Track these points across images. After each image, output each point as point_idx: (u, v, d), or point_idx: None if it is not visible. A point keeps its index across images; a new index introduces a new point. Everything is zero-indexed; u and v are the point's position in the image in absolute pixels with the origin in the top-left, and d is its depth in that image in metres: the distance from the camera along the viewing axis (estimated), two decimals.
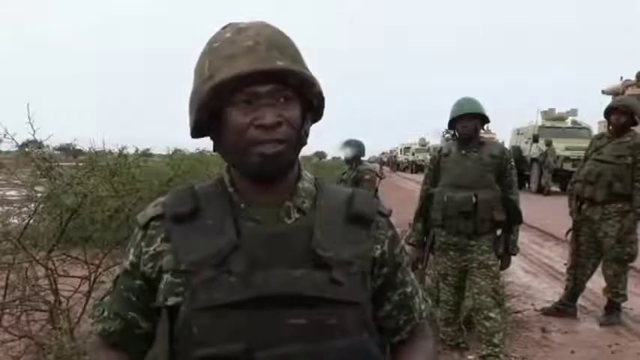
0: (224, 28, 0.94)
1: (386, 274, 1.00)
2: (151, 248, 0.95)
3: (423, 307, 1.07)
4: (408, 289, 1.04)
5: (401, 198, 11.64)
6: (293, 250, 0.91)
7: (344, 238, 0.94)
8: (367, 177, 5.25)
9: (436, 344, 0.97)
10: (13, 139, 3.76)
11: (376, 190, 5.47)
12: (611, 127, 4.63)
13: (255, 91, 0.88)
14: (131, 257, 0.98)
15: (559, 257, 7.00)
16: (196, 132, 0.96)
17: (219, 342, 0.86)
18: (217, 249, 0.89)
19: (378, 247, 0.98)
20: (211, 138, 0.97)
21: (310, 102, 0.95)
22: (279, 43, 0.90)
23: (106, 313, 1.01)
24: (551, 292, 5.51)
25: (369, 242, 0.97)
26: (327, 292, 0.89)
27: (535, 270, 6.74)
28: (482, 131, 3.57)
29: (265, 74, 0.87)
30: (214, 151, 0.98)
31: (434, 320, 3.84)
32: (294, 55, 0.92)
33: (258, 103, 0.89)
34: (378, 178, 5.68)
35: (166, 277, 0.92)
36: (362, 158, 5.65)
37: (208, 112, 0.92)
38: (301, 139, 0.95)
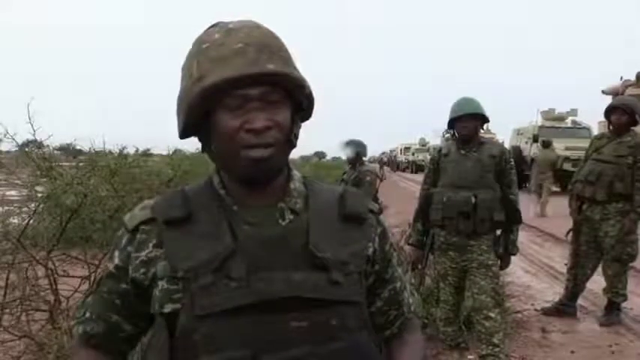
0: (212, 27, 0.93)
1: (377, 271, 1.01)
2: (142, 254, 0.93)
3: (411, 300, 1.08)
4: (398, 284, 1.05)
5: (401, 198, 11.64)
6: (290, 252, 0.90)
7: (339, 238, 0.93)
8: (367, 178, 5.25)
9: (425, 339, 0.99)
10: (13, 139, 3.76)
11: (376, 192, 5.47)
12: (611, 127, 4.62)
13: (245, 95, 0.87)
14: (117, 261, 0.95)
15: (559, 257, 7.00)
16: (185, 133, 0.95)
17: (223, 349, 0.84)
18: (215, 254, 0.88)
19: (370, 244, 0.98)
20: (200, 139, 0.96)
21: (300, 103, 0.94)
22: (269, 45, 0.89)
23: (87, 315, 0.98)
24: (551, 292, 5.51)
25: (363, 241, 0.97)
26: (327, 293, 0.88)
27: (535, 270, 6.74)
28: (482, 131, 3.57)
29: (255, 77, 0.86)
30: (202, 152, 0.97)
31: (434, 320, 3.84)
32: (285, 56, 0.90)
33: (249, 106, 0.88)
34: (378, 180, 5.67)
35: (161, 283, 0.90)
36: (363, 158, 5.64)
37: (197, 114, 0.90)
38: (291, 142, 0.94)
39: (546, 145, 13.16)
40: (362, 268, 0.95)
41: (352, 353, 0.89)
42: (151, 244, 0.92)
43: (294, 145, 0.95)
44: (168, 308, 0.89)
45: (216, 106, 0.89)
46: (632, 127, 4.58)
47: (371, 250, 0.98)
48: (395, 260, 1.05)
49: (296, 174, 1.00)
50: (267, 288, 0.86)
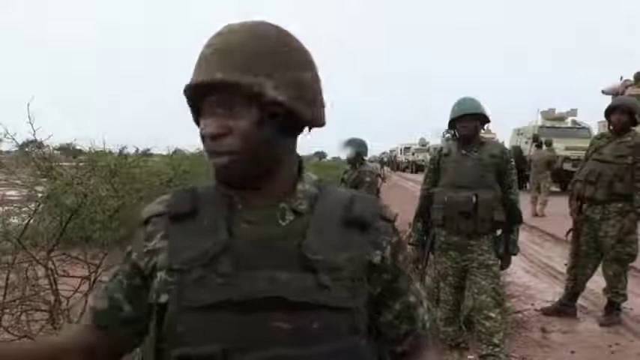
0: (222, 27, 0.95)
1: (386, 281, 0.97)
2: (150, 244, 0.96)
3: (426, 317, 1.03)
4: (412, 299, 1.00)
5: (401, 198, 11.65)
6: (283, 252, 0.89)
7: (337, 242, 0.92)
8: (368, 179, 5.21)
9: (440, 355, 0.94)
10: (14, 139, 3.77)
11: (378, 191, 5.44)
12: (611, 127, 4.63)
13: (211, 100, 0.90)
14: (129, 247, 1.00)
15: (559, 257, 7.00)
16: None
17: (199, 342, 0.86)
18: (206, 249, 0.89)
19: (378, 252, 0.95)
20: None
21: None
22: (237, 49, 0.88)
23: (100, 294, 1.02)
24: (551, 292, 5.51)
25: (365, 247, 0.94)
26: (312, 296, 0.87)
27: (535, 270, 6.75)
28: (482, 131, 3.57)
29: (212, 85, 0.88)
30: None
31: (434, 320, 3.84)
32: (252, 62, 0.88)
33: (213, 111, 0.90)
34: (379, 179, 5.65)
35: (160, 274, 0.92)
36: (364, 158, 5.56)
37: (193, 113, 0.95)
38: (259, 149, 0.90)
39: (541, 144, 13.17)
40: (359, 275, 0.92)
41: (334, 359, 0.87)
42: (159, 236, 0.95)
43: (266, 152, 0.91)
44: (163, 299, 0.91)
45: (199, 107, 0.93)
46: (632, 127, 4.59)
47: (378, 258, 0.95)
48: (410, 273, 1.01)
49: (308, 176, 0.99)
50: (251, 286, 0.87)
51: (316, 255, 0.89)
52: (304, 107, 0.92)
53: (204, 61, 0.89)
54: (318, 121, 0.97)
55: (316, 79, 0.95)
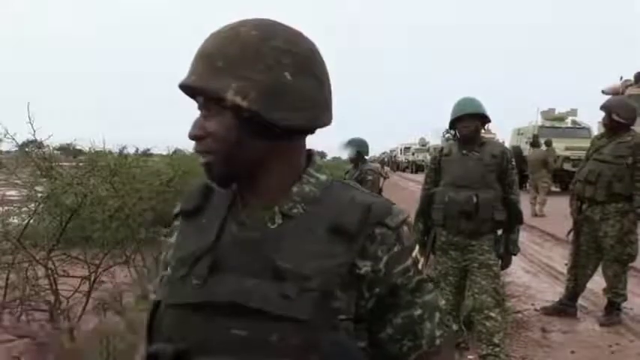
0: None
1: (379, 295, 0.89)
2: (169, 240, 1.00)
3: (437, 333, 0.92)
4: (416, 312, 0.91)
5: (401, 198, 11.65)
6: (258, 257, 0.87)
7: (314, 251, 0.86)
8: (369, 178, 5.22)
9: None
10: (14, 139, 3.77)
11: (380, 190, 5.45)
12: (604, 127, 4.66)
13: (197, 102, 0.91)
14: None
15: (559, 257, 7.01)
16: None
17: (164, 340, 0.88)
18: (194, 249, 0.90)
19: (368, 263, 0.87)
20: None
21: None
22: (211, 54, 0.87)
23: (154, 287, 1.05)
24: (551, 292, 5.51)
25: (350, 257, 0.86)
26: (272, 305, 0.83)
27: (535, 270, 6.74)
28: (482, 131, 3.57)
29: (190, 89, 0.89)
30: None
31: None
32: (218, 66, 0.86)
33: (199, 113, 0.91)
34: (382, 178, 5.65)
35: (169, 268, 0.95)
36: (365, 157, 5.57)
37: None
38: (232, 150, 0.88)
39: (537, 144, 13.18)
40: (332, 288, 0.85)
41: None
42: (177, 232, 0.99)
43: (241, 155, 0.89)
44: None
45: None
46: (632, 127, 4.60)
47: (367, 269, 0.88)
48: (415, 285, 0.92)
49: (318, 177, 0.94)
50: (217, 291, 0.86)
51: (287, 263, 0.85)
52: (279, 111, 0.85)
53: (190, 64, 0.90)
54: (307, 126, 0.91)
55: (310, 81, 0.89)
